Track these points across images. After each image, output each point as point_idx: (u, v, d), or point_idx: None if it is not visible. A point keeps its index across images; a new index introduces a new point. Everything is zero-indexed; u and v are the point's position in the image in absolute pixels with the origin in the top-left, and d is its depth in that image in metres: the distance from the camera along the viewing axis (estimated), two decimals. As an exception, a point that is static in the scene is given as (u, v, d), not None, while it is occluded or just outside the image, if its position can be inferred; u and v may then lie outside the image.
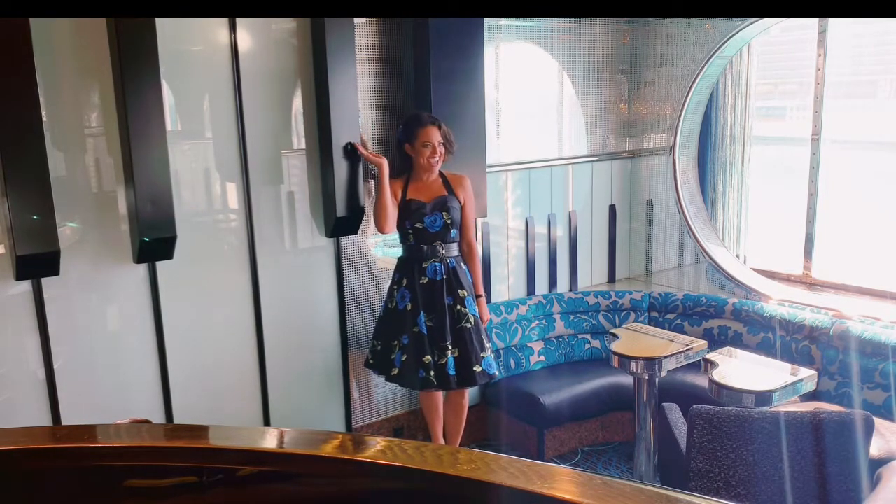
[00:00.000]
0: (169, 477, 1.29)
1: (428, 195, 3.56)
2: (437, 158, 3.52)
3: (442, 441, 3.76)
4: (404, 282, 3.57)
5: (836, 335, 3.74)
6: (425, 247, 3.54)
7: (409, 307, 3.54)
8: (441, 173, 3.61)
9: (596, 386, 4.11)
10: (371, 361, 3.70)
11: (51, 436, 1.56)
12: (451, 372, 3.48)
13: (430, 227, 3.53)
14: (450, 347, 3.49)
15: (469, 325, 3.53)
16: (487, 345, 3.60)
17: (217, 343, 3.53)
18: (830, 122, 4.54)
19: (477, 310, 3.61)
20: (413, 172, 3.60)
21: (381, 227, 3.54)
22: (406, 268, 3.60)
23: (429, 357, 3.47)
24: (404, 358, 3.52)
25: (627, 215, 5.04)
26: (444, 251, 3.55)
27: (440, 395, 3.69)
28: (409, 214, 3.54)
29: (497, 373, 3.64)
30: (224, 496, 1.29)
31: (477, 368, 3.52)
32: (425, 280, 3.53)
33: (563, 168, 4.69)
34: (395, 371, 3.55)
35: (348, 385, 3.94)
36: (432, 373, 3.46)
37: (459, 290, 3.55)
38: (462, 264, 3.63)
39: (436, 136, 3.50)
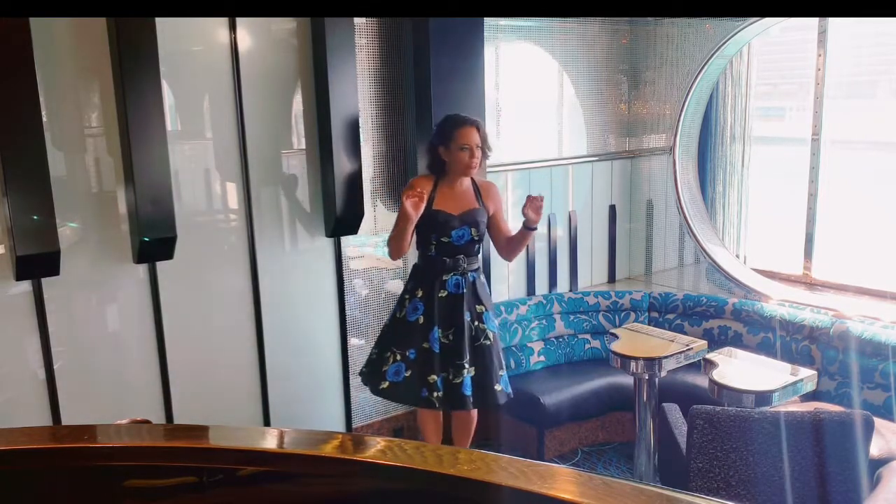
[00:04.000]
0: (169, 477, 1.29)
1: (457, 206, 3.29)
2: (476, 162, 3.24)
3: None
4: (419, 293, 3.31)
5: (836, 335, 3.74)
6: (447, 259, 3.28)
7: (420, 320, 3.28)
8: (472, 179, 3.35)
9: (596, 386, 4.11)
10: (364, 370, 3.44)
11: (51, 436, 1.56)
12: (467, 392, 3.25)
13: (457, 241, 3.28)
14: (466, 366, 3.25)
15: (489, 343, 3.31)
16: (503, 364, 3.40)
17: (217, 343, 3.53)
18: (830, 122, 4.53)
19: (495, 324, 3.40)
20: (445, 176, 3.32)
21: (393, 256, 3.35)
22: (423, 278, 3.33)
23: (434, 377, 3.23)
24: (408, 374, 3.26)
25: (627, 215, 5.04)
26: (466, 265, 3.30)
27: (440, 416, 3.49)
28: (435, 227, 3.27)
29: (511, 392, 3.40)
30: (224, 496, 1.29)
31: (497, 387, 3.31)
32: (444, 294, 3.28)
33: (563, 168, 4.69)
34: (386, 385, 3.28)
35: (348, 385, 3.93)
36: (436, 393, 3.23)
37: (478, 306, 3.32)
38: (482, 277, 3.40)
39: (475, 137, 3.22)
